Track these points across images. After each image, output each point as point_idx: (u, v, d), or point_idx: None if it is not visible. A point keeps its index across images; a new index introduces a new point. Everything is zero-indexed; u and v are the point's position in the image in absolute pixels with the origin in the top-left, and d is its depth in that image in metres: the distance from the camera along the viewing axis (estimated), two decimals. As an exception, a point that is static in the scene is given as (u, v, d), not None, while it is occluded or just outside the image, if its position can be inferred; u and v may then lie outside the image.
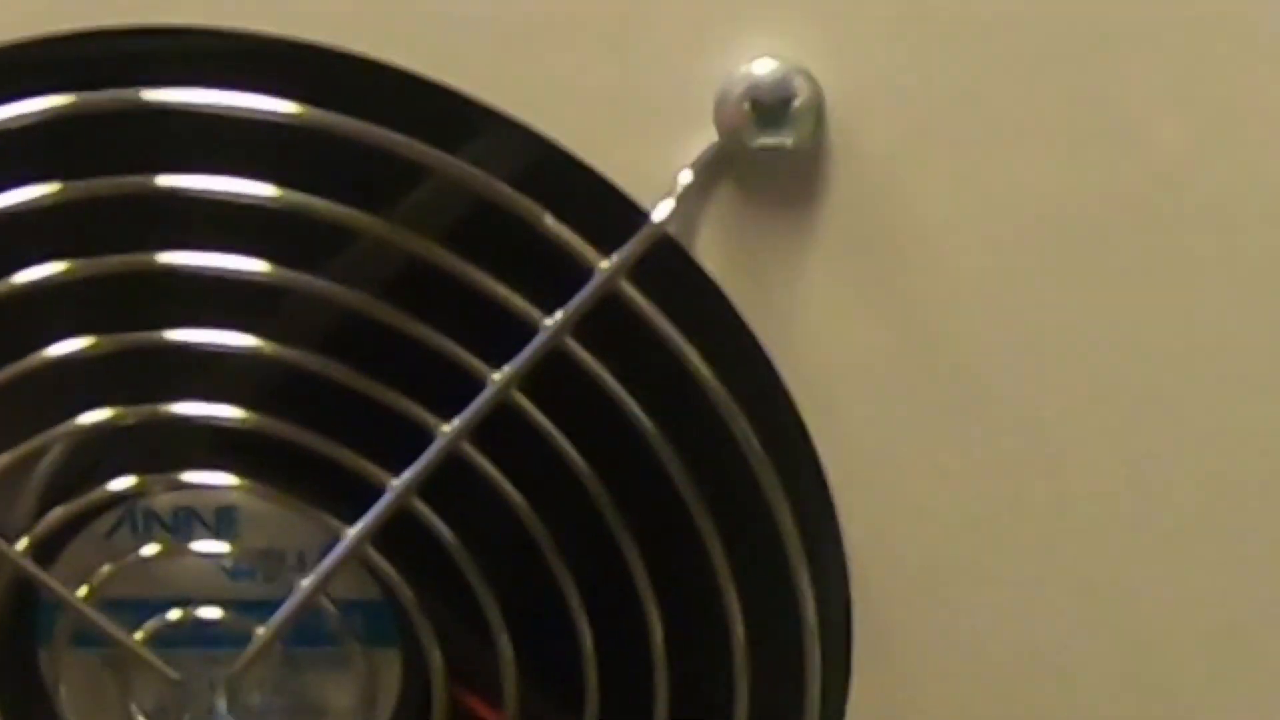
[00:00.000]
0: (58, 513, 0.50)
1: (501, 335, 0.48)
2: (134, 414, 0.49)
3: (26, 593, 0.52)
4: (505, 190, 0.47)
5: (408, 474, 0.49)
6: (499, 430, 0.49)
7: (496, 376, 0.48)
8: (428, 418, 0.49)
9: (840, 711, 0.52)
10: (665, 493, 0.50)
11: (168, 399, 0.50)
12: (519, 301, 0.48)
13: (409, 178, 0.48)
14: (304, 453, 0.49)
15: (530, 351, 0.48)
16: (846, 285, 0.48)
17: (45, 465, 0.51)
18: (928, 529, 0.50)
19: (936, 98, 0.47)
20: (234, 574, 0.51)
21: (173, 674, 0.51)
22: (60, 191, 0.47)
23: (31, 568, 0.50)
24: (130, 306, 0.49)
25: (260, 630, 0.51)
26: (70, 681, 0.52)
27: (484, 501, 0.50)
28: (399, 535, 0.50)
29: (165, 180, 0.47)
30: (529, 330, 0.48)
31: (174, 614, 0.51)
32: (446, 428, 0.49)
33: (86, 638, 0.52)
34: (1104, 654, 0.51)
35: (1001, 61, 0.47)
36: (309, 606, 0.50)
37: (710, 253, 0.48)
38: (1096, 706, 0.51)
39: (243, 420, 0.49)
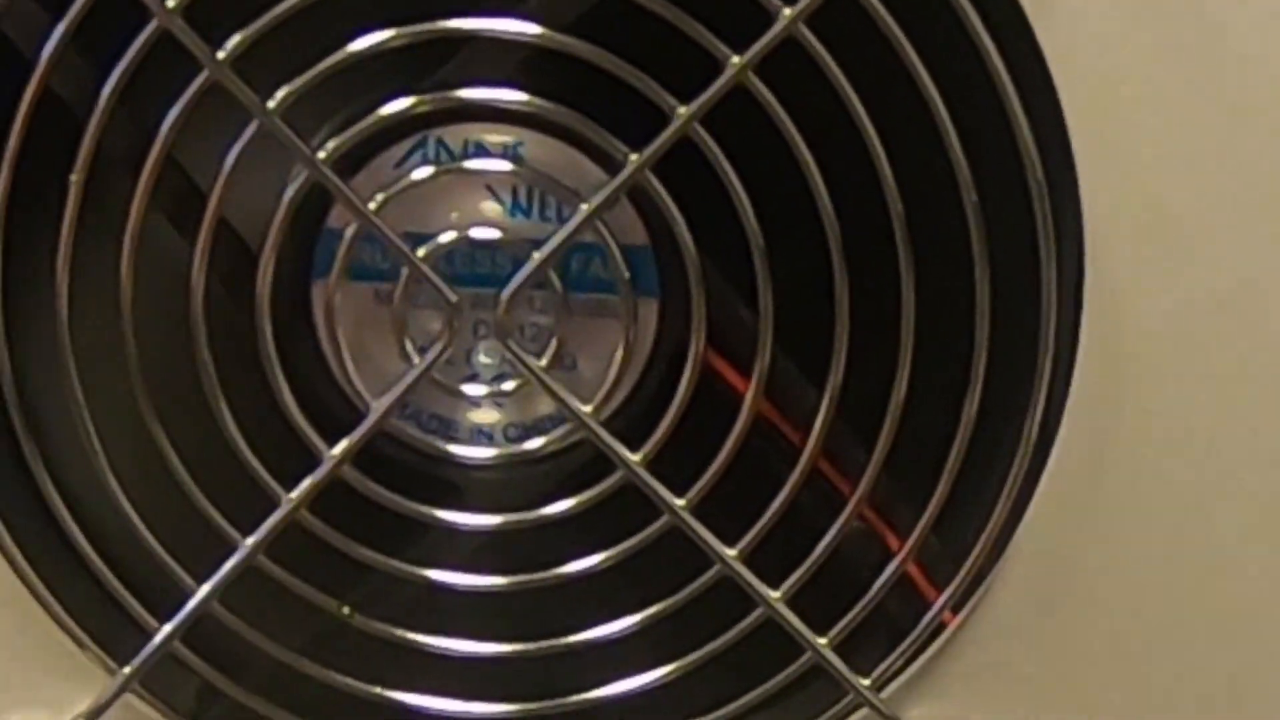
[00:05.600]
0: (356, 128, 0.53)
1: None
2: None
3: (307, 226, 0.54)
4: None
5: (694, 104, 0.52)
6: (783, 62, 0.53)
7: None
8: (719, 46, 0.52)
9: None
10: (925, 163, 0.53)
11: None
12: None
13: None
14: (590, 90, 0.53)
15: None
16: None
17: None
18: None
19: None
20: (512, 210, 0.54)
21: (450, 294, 0.54)
22: None
23: (328, 173, 0.53)
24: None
25: (535, 255, 0.53)
26: (344, 315, 0.55)
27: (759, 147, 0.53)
28: (672, 177, 0.53)
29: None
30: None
31: (447, 235, 0.54)
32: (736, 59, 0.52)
33: (362, 270, 0.54)
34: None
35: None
36: (583, 230, 0.53)
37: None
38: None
39: (538, 36, 0.52)
